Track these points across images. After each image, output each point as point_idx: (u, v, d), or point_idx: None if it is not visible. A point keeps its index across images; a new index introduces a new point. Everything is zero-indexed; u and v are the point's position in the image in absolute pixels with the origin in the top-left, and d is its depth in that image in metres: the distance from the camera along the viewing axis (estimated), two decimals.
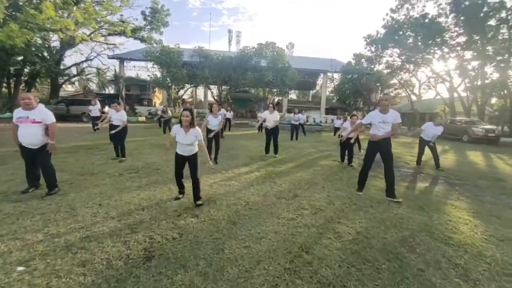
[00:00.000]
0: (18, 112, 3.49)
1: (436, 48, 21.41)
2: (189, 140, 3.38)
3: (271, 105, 7.17)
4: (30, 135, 3.48)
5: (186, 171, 3.60)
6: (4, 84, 21.40)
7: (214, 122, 6.01)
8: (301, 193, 4.10)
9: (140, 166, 5.44)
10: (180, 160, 3.51)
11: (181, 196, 3.67)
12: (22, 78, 21.71)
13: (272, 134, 7.01)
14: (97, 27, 17.50)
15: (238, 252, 2.34)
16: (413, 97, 28.75)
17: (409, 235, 2.80)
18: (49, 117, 3.62)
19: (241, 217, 3.08)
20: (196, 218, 3.00)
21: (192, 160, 3.50)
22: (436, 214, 3.39)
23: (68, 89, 39.88)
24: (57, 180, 3.76)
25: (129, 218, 2.92)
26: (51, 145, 3.61)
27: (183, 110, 3.45)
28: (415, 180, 5.36)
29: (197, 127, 3.48)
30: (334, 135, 13.50)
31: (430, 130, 6.40)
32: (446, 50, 20.84)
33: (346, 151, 6.60)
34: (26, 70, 22.14)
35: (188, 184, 3.87)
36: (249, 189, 4.17)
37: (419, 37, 20.83)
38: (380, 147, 4.01)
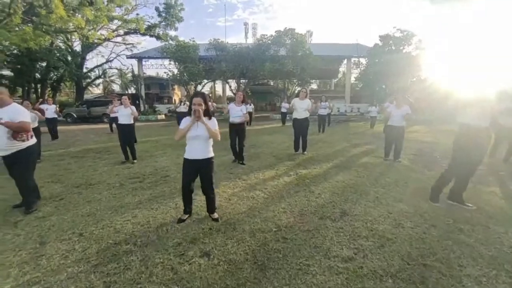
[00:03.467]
0: None
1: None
2: (200, 131, 2.50)
3: (303, 90, 6.01)
4: None
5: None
6: (32, 90, 22.23)
7: (236, 111, 4.97)
8: (350, 208, 3.01)
9: (147, 172, 4.64)
10: (190, 169, 2.60)
11: (186, 217, 2.75)
12: (48, 82, 22.34)
13: (300, 127, 5.88)
14: (109, 24, 17.23)
15: None
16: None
17: None
18: (21, 115, 2.85)
19: (272, 256, 2.09)
20: (207, 259, 2.06)
21: (206, 168, 2.61)
22: None
23: (94, 92, 41.36)
24: (37, 198, 3.05)
25: (111, 260, 2.04)
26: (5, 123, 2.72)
27: (194, 95, 2.57)
28: (487, 181, 4.01)
29: (213, 118, 2.61)
30: (371, 127, 12.01)
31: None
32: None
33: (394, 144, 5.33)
34: (51, 75, 22.80)
35: (200, 197, 2.99)
36: (279, 204, 3.16)
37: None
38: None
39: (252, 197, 3.41)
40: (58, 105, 9.01)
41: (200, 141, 2.54)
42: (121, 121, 5.25)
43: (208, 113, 2.59)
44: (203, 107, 2.51)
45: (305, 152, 6.04)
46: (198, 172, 2.64)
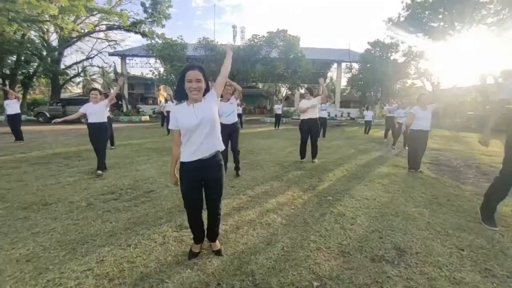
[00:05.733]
0: None
1: (467, 26, 18.95)
2: (204, 113, 1.69)
3: (306, 90, 5.33)
4: None
5: None
6: None
7: (226, 109, 3.96)
8: (403, 241, 2.23)
9: (126, 185, 3.66)
10: (194, 176, 1.75)
11: (198, 248, 2.00)
12: (18, 78, 20.31)
13: (310, 130, 5.14)
14: (89, 16, 15.83)
15: None
16: (430, 87, 26.16)
17: None
18: None
19: None
20: None
21: (215, 171, 1.79)
22: None
23: (74, 91, 38.83)
24: None
25: None
26: None
27: (186, 68, 1.69)
28: None
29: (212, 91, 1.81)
30: (365, 131, 11.59)
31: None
32: (484, 27, 18.33)
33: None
34: (22, 70, 20.77)
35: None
36: (306, 234, 2.32)
37: (450, 13, 18.39)
38: None
39: (266, 223, 2.55)
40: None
41: (206, 128, 1.68)
42: (92, 119, 4.22)
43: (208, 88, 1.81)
44: (203, 85, 1.68)
45: (315, 160, 5.28)
46: (203, 179, 1.80)
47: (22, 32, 16.71)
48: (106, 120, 4.40)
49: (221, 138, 1.81)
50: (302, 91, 21.63)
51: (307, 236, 2.30)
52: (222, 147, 1.80)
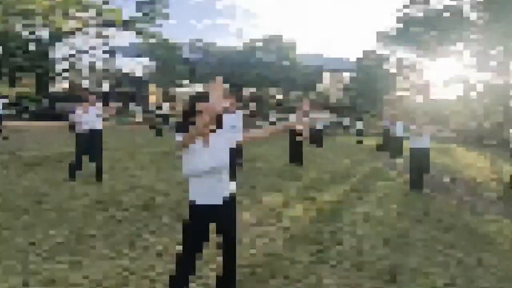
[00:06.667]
0: None
1: (456, 41, 19.74)
2: (219, 149, 1.27)
3: (306, 101, 5.46)
4: None
5: None
6: None
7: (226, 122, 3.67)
8: (398, 258, 2.26)
9: (122, 192, 3.57)
10: (202, 220, 1.29)
11: None
12: (2, 71, 19.49)
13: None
14: (82, 11, 15.46)
15: None
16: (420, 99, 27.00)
17: None
18: None
19: None
20: None
21: (228, 214, 1.39)
22: None
23: (62, 86, 37.60)
24: None
25: None
26: None
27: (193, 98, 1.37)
28: None
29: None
30: (358, 141, 11.81)
31: None
32: (470, 41, 19.14)
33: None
34: (9, 64, 19.97)
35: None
36: (304, 247, 2.33)
37: (437, 29, 19.18)
38: None
39: (271, 238, 2.55)
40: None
41: (218, 174, 1.27)
42: (86, 125, 4.05)
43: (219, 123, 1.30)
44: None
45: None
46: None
47: (9, 25, 16.13)
48: (101, 127, 4.26)
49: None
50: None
51: (305, 250, 2.30)
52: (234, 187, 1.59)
